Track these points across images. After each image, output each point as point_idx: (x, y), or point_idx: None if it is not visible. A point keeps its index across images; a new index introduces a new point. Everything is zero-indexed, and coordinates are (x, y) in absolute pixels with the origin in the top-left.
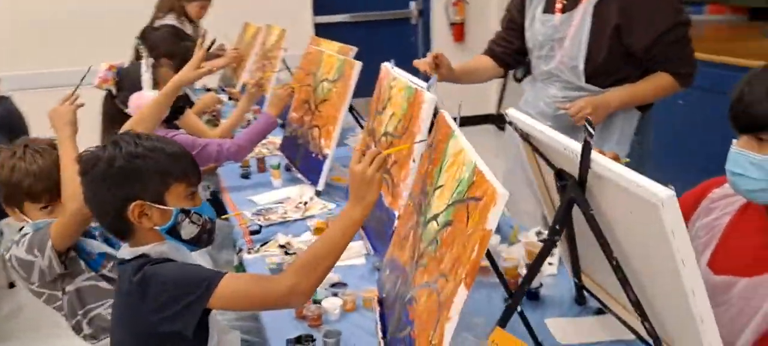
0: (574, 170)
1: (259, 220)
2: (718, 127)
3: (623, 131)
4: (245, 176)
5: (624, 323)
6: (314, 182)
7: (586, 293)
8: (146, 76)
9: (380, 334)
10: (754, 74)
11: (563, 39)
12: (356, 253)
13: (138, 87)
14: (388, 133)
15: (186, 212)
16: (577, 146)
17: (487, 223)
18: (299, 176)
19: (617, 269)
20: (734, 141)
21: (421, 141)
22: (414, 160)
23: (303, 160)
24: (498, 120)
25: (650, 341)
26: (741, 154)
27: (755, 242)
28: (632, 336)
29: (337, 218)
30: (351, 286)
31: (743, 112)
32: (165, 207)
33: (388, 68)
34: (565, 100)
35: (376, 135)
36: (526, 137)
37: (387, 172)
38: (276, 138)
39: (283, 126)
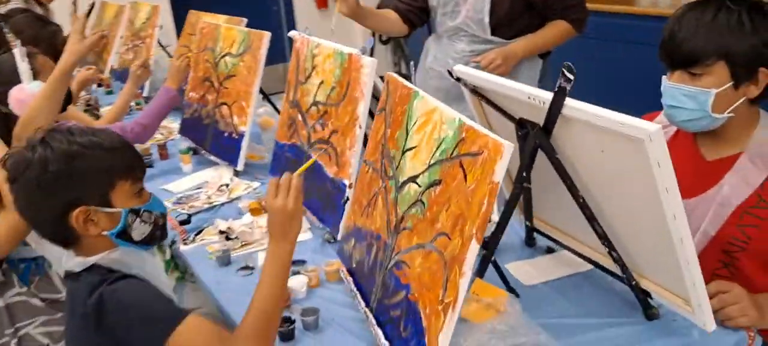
0: (537, 117)
1: (182, 209)
2: (613, 71)
3: (529, 78)
4: (148, 165)
5: (582, 256)
6: (232, 162)
7: (535, 235)
8: (24, 66)
9: (362, 303)
10: (683, 13)
11: None
12: None
13: (15, 80)
14: (319, 102)
15: (136, 212)
16: (544, 94)
17: (495, 175)
18: (212, 157)
19: (584, 207)
20: (665, 77)
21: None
22: (359, 127)
23: (214, 141)
24: None
25: (614, 269)
26: (675, 87)
27: (687, 169)
28: (588, 267)
29: (266, 263)
30: (309, 262)
31: (676, 49)
32: (112, 210)
33: (304, 36)
34: (473, 53)
35: (302, 106)
36: (476, 91)
37: (327, 142)
38: (171, 123)
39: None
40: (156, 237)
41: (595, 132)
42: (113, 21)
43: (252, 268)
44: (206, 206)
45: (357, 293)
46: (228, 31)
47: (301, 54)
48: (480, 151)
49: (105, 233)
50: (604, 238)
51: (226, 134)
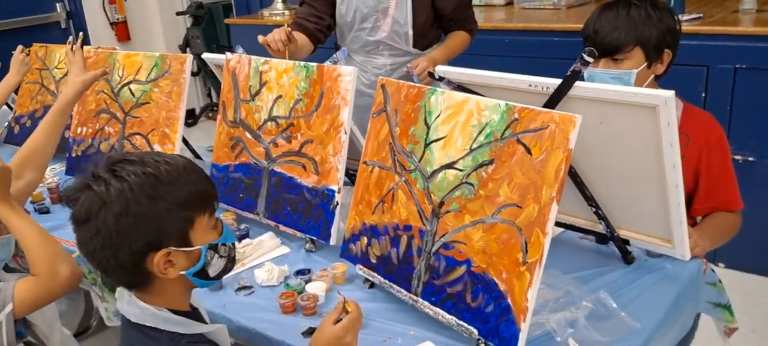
0: (531, 103)
1: None
2: None
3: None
4: (43, 211)
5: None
6: None
7: None
8: None
9: (404, 291)
10: (599, 13)
11: (387, 9)
12: (273, 245)
13: None
14: (279, 117)
15: (214, 247)
16: (545, 80)
17: (569, 143)
18: None
19: (574, 176)
20: (590, 65)
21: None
22: (345, 132)
23: None
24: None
25: (589, 227)
26: (604, 72)
27: None
28: (560, 231)
29: None
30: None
31: (602, 42)
32: (192, 248)
33: (242, 55)
34: (393, 66)
35: (253, 124)
36: (463, 88)
37: (298, 154)
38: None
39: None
40: (228, 270)
41: (596, 106)
42: None
43: (251, 286)
44: None
45: (392, 284)
46: (128, 58)
47: (240, 73)
48: (544, 126)
49: (182, 272)
50: (591, 199)
51: None
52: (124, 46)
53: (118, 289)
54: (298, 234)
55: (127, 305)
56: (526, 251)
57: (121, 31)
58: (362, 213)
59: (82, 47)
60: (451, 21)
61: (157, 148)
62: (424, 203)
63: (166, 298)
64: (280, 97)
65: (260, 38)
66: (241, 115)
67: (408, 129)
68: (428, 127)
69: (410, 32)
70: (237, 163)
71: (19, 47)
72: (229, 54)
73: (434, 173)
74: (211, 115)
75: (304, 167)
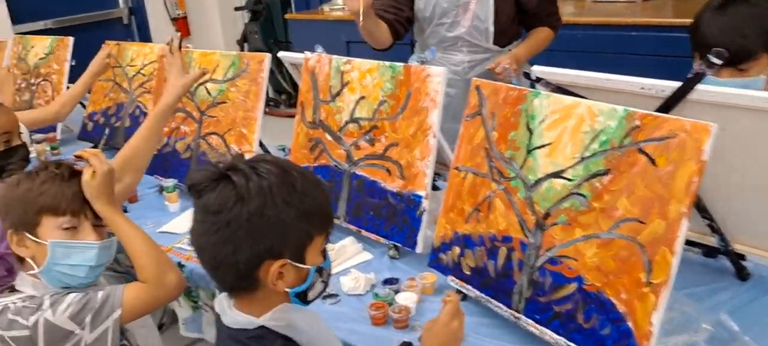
0: (643, 105)
1: None
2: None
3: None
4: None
5: None
6: None
7: None
8: None
9: (503, 306)
10: (714, 12)
11: (468, 3)
12: (355, 251)
13: None
14: (361, 118)
15: (320, 271)
16: (659, 82)
17: (703, 154)
18: None
19: None
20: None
21: None
22: (433, 136)
23: None
24: None
25: (709, 240)
26: (731, 82)
27: None
28: None
29: None
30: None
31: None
32: (304, 266)
33: (322, 55)
34: (471, 63)
35: (334, 125)
36: (562, 90)
37: (382, 157)
38: None
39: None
40: (320, 296)
41: (717, 111)
42: None
43: (337, 295)
44: None
45: (489, 299)
46: (205, 57)
47: (319, 73)
48: (671, 135)
49: (287, 289)
50: (705, 211)
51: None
52: (183, 42)
53: (218, 297)
54: (382, 240)
55: (227, 315)
56: (650, 271)
57: (182, 26)
58: (454, 221)
59: (180, 48)
60: (535, 16)
61: (234, 148)
62: (527, 214)
63: (260, 310)
64: (363, 98)
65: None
66: (320, 116)
67: (507, 134)
68: (531, 133)
69: (491, 28)
70: (316, 165)
71: (105, 49)
72: (308, 53)
73: (538, 181)
74: (267, 110)
75: (388, 171)
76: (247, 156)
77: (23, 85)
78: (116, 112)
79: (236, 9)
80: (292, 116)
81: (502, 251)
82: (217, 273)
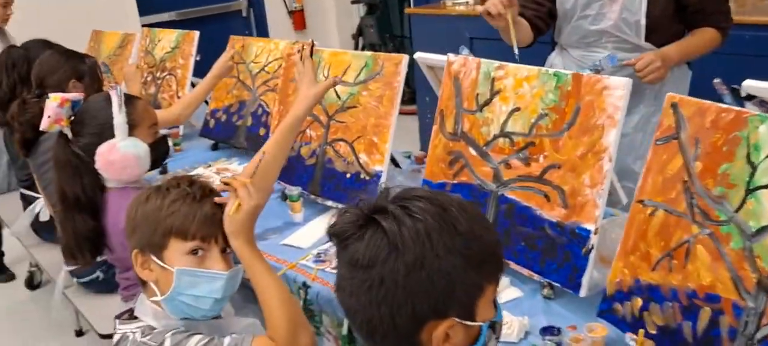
0: None
1: (329, 268)
2: None
3: (678, 88)
4: None
5: None
6: None
7: None
8: (120, 119)
9: None
10: None
11: None
12: (502, 286)
13: (106, 133)
14: (514, 133)
15: (493, 326)
16: None
17: None
18: (328, 203)
19: None
20: None
21: None
22: (610, 159)
23: (327, 184)
24: None
25: None
26: None
27: None
28: None
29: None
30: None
31: None
32: (474, 324)
33: (468, 57)
34: (594, 63)
35: (479, 138)
36: None
37: (539, 180)
38: (231, 164)
39: (215, 147)
40: None
41: None
42: (118, 52)
43: None
44: None
45: None
46: (335, 57)
47: (464, 78)
48: None
49: None
50: None
51: (348, 175)
52: (299, 35)
53: None
54: (535, 276)
55: None
56: None
57: (298, 19)
58: (635, 266)
59: (311, 55)
60: (697, 14)
61: (362, 158)
62: (744, 270)
63: None
64: (517, 109)
65: (479, 8)
66: (463, 127)
67: (716, 166)
68: (754, 169)
69: (642, 21)
70: (455, 182)
71: (230, 51)
72: (451, 55)
73: (762, 230)
74: None
75: (546, 197)
76: (378, 169)
77: (149, 79)
78: (238, 110)
79: (353, 2)
80: (407, 113)
81: (705, 312)
82: (373, 340)
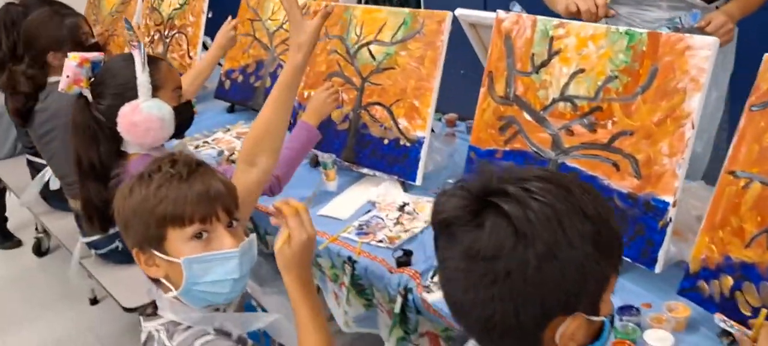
0: None
1: (375, 241)
2: None
3: (726, 49)
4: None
5: None
6: (404, 176)
7: None
8: (143, 79)
9: None
10: None
11: None
12: None
13: (128, 93)
14: (577, 97)
15: (612, 321)
16: None
17: None
18: (364, 170)
19: None
20: None
21: None
22: (692, 126)
23: (362, 151)
24: None
25: None
26: None
27: None
28: None
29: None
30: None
31: None
32: (597, 319)
33: (522, 14)
34: (671, 21)
35: (536, 103)
36: None
37: (607, 147)
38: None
39: (232, 110)
40: None
41: None
42: (120, 8)
43: None
44: (408, 234)
45: None
46: (369, 14)
47: (517, 37)
48: None
49: None
50: None
51: (385, 142)
52: None
53: None
54: None
55: None
56: None
57: None
58: (725, 242)
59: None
60: None
61: (402, 123)
62: None
63: None
64: (581, 71)
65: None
66: (516, 90)
67: None
68: None
69: None
70: (507, 149)
71: (230, 22)
72: (501, 12)
73: None
74: None
75: (615, 166)
76: (420, 135)
77: (156, 37)
78: (256, 71)
79: None
80: None
81: None
82: (489, 338)
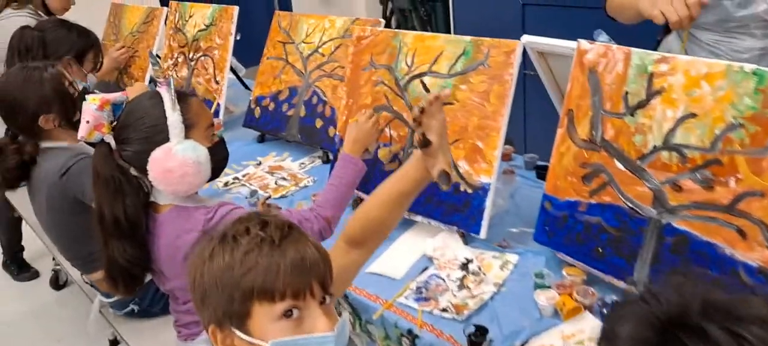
0: None
1: (436, 309)
2: None
3: None
4: None
5: None
6: (465, 227)
7: None
8: (175, 119)
9: None
10: None
11: None
12: None
13: (157, 137)
14: (686, 146)
15: None
16: None
17: None
18: (417, 218)
19: None
20: None
21: None
22: None
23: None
24: None
25: None
26: None
27: None
28: None
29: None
30: None
31: None
32: None
33: (612, 45)
34: (764, 50)
35: (630, 150)
36: None
37: (730, 210)
38: (284, 161)
39: (262, 139)
40: None
41: None
42: (142, 28)
43: None
44: (475, 302)
45: None
46: (422, 41)
47: (606, 71)
48: None
49: None
50: None
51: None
52: (323, 1)
53: None
54: None
55: None
56: None
57: None
58: None
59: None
60: None
61: (462, 166)
62: None
63: None
64: (692, 116)
65: (652, 10)
66: (605, 134)
67: None
68: None
69: None
70: (593, 201)
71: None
72: (584, 42)
73: None
74: None
75: (740, 233)
76: (484, 181)
77: (180, 60)
78: (288, 98)
79: None
80: None
81: None
82: None
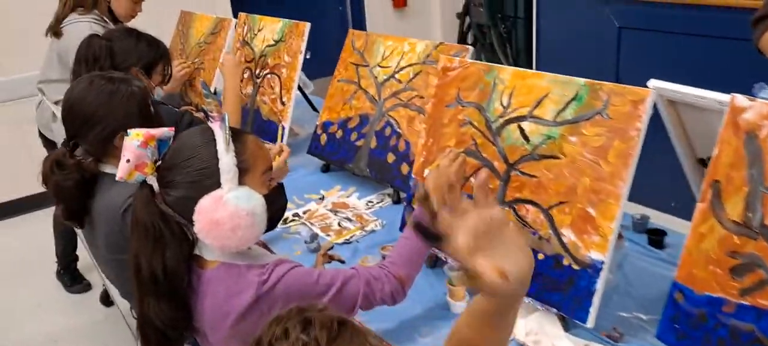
0: None
1: None
2: None
3: None
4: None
5: None
6: (568, 311)
7: None
8: (228, 162)
9: None
10: None
11: None
12: None
13: (208, 181)
14: None
15: None
16: None
17: None
18: None
19: None
20: None
21: None
22: None
23: None
24: None
25: None
26: None
27: None
28: None
29: None
30: None
31: None
32: None
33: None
34: None
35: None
36: None
37: None
38: (349, 197)
39: (327, 169)
40: None
41: None
42: (209, 39)
43: None
44: None
45: None
46: (521, 79)
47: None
48: None
49: None
50: None
51: (540, 256)
52: (399, 13)
53: None
54: None
55: None
56: None
57: None
58: None
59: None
60: None
61: (569, 236)
62: None
63: None
64: None
65: None
66: (765, 219)
67: None
68: None
69: None
70: (745, 302)
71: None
72: (739, 97)
73: None
74: None
75: None
76: (596, 258)
77: (246, 75)
78: (358, 127)
79: None
80: None
81: None
82: None
